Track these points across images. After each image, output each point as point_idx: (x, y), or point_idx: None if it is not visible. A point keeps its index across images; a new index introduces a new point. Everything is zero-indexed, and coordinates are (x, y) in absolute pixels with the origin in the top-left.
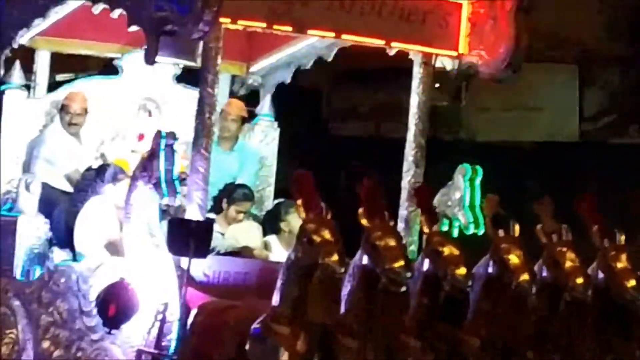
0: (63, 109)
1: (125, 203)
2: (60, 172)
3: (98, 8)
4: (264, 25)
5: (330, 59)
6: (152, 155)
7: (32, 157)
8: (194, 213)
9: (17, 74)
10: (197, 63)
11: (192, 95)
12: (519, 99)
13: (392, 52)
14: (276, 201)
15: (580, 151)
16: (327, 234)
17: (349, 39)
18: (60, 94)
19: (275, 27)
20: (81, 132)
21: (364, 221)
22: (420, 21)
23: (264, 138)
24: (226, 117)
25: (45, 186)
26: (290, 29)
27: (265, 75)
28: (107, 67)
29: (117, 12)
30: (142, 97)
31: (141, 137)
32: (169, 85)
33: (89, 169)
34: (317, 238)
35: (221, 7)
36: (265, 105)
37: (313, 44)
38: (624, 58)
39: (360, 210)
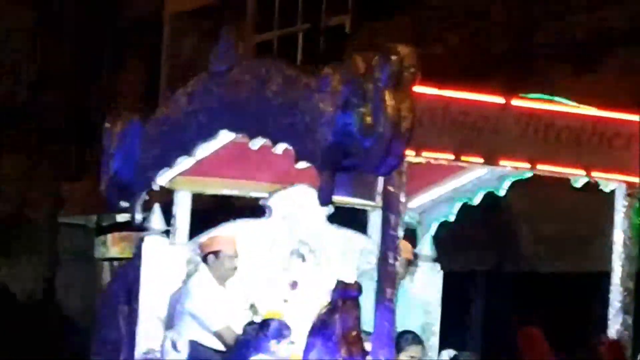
0: (212, 255)
1: None
2: (209, 328)
3: (257, 143)
4: (451, 157)
5: (502, 193)
6: (333, 309)
7: (176, 311)
8: None
9: (156, 219)
10: (377, 202)
11: (346, 237)
12: (576, 227)
13: (579, 184)
14: (448, 353)
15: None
16: None
17: (545, 169)
18: (204, 239)
19: (463, 158)
20: (228, 281)
21: None
22: (624, 147)
23: (425, 282)
24: None
25: (194, 344)
26: (480, 160)
27: (423, 212)
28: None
29: (280, 147)
30: (294, 240)
31: (294, 285)
32: (322, 227)
33: (250, 323)
34: None
35: (411, 138)
36: (425, 246)
37: (481, 177)
38: None
39: None
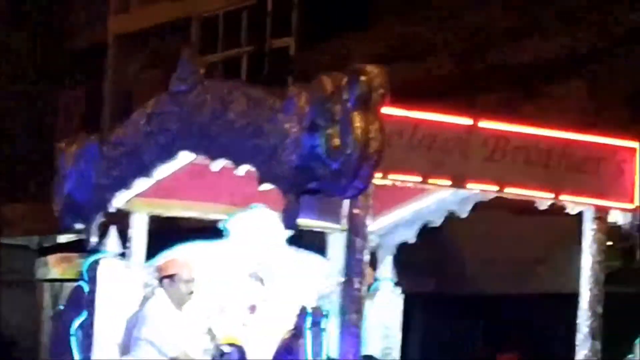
0: (173, 278)
1: None
2: (166, 354)
3: (218, 165)
4: (419, 179)
5: (464, 215)
6: (298, 335)
7: (132, 337)
8: None
9: (113, 241)
10: (342, 225)
11: (305, 260)
12: (520, 251)
13: (543, 206)
14: None
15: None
16: None
17: (513, 192)
18: (160, 262)
19: (431, 180)
20: (185, 306)
21: None
22: (593, 171)
23: (385, 306)
24: None
25: None
26: (448, 182)
27: (384, 235)
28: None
29: (243, 169)
30: (252, 262)
31: (253, 308)
32: (281, 249)
33: (222, 354)
34: None
35: (381, 160)
36: (385, 269)
37: (444, 199)
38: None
39: None
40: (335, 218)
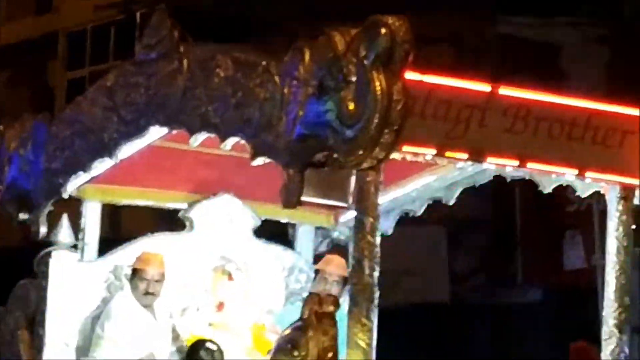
0: (135, 274)
1: None
2: (130, 357)
3: (198, 138)
4: (433, 151)
5: (451, 202)
6: (304, 327)
7: (95, 335)
8: None
9: (65, 232)
10: (349, 203)
11: (273, 253)
12: (389, 263)
13: (549, 189)
14: None
15: (451, 312)
16: None
17: (535, 167)
18: (119, 256)
19: (447, 153)
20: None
21: None
22: (618, 145)
23: None
24: (325, 279)
25: None
26: (465, 156)
27: None
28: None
29: (230, 142)
30: (218, 256)
31: (221, 306)
32: (248, 242)
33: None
34: None
35: (404, 126)
36: None
37: (428, 184)
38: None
39: None
40: (343, 196)
